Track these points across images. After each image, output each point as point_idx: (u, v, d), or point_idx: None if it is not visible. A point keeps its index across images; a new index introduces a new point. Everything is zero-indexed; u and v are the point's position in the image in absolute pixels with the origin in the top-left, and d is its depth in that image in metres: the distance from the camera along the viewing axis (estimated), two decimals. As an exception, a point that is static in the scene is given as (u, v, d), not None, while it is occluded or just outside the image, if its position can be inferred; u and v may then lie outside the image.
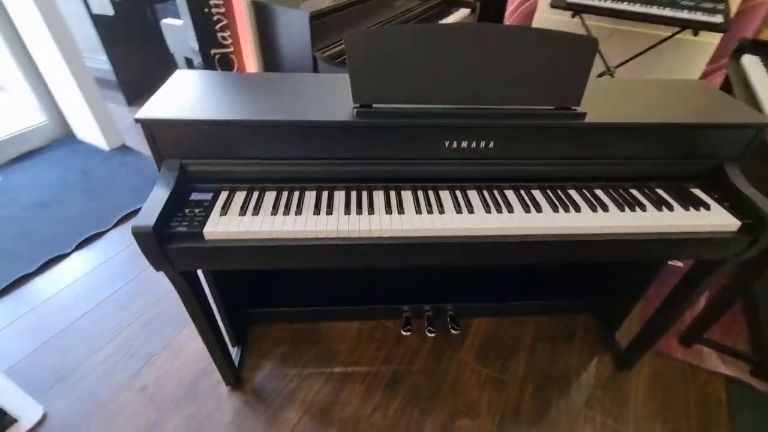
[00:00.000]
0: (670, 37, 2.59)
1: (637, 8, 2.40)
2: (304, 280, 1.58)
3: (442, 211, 0.95)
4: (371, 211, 0.94)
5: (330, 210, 0.93)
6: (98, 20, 2.71)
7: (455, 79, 0.93)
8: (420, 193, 1.00)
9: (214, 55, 1.56)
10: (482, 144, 0.97)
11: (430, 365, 1.47)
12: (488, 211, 0.96)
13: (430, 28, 0.88)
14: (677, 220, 0.97)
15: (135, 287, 1.70)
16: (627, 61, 2.77)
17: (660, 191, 1.05)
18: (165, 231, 0.85)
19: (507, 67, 0.93)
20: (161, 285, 1.68)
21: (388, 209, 0.94)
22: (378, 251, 0.92)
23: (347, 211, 0.94)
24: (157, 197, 0.87)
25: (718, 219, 0.97)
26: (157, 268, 0.89)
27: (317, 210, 0.93)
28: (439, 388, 1.40)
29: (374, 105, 0.94)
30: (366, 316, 1.60)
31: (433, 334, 1.49)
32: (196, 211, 0.91)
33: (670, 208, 0.99)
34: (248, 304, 1.52)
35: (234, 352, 1.45)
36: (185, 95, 0.98)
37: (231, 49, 1.54)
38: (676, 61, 2.98)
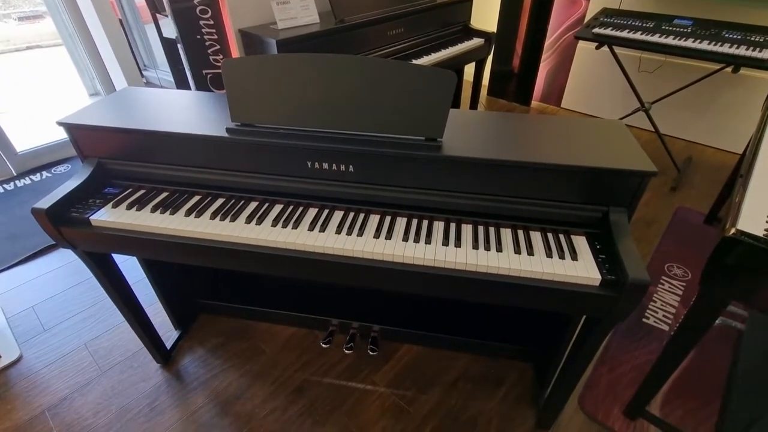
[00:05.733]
0: (712, 73, 2.29)
1: (669, 41, 2.18)
2: (253, 280, 1.71)
3: (295, 227, 1.01)
4: (233, 219, 1.04)
5: (199, 214, 1.05)
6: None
7: (318, 105, 0.99)
8: (290, 208, 1.07)
9: (206, 74, 1.80)
10: (342, 167, 1.02)
11: (342, 380, 1.49)
12: (339, 231, 1.00)
13: (295, 57, 0.97)
14: (533, 265, 0.91)
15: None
16: (664, 96, 2.51)
17: (534, 233, 0.99)
18: (63, 215, 1.04)
19: (368, 96, 0.97)
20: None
21: (249, 220, 1.03)
22: (233, 256, 1.01)
23: (213, 216, 1.05)
24: (65, 187, 1.06)
25: (575, 271, 0.89)
26: (61, 245, 1.08)
27: (188, 213, 1.05)
28: (340, 405, 1.41)
29: (246, 124, 1.05)
30: (301, 324, 1.67)
31: (350, 352, 1.52)
32: (98, 201, 1.09)
33: (531, 252, 0.93)
34: (198, 294, 1.69)
35: (174, 334, 1.63)
36: (113, 106, 1.18)
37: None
38: (735, 98, 2.62)
